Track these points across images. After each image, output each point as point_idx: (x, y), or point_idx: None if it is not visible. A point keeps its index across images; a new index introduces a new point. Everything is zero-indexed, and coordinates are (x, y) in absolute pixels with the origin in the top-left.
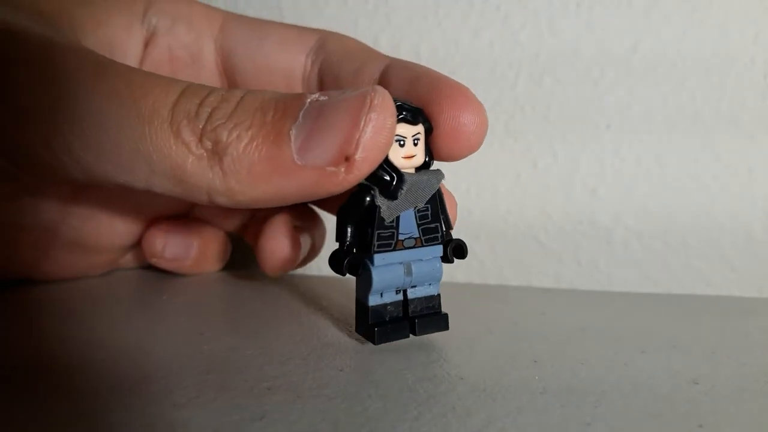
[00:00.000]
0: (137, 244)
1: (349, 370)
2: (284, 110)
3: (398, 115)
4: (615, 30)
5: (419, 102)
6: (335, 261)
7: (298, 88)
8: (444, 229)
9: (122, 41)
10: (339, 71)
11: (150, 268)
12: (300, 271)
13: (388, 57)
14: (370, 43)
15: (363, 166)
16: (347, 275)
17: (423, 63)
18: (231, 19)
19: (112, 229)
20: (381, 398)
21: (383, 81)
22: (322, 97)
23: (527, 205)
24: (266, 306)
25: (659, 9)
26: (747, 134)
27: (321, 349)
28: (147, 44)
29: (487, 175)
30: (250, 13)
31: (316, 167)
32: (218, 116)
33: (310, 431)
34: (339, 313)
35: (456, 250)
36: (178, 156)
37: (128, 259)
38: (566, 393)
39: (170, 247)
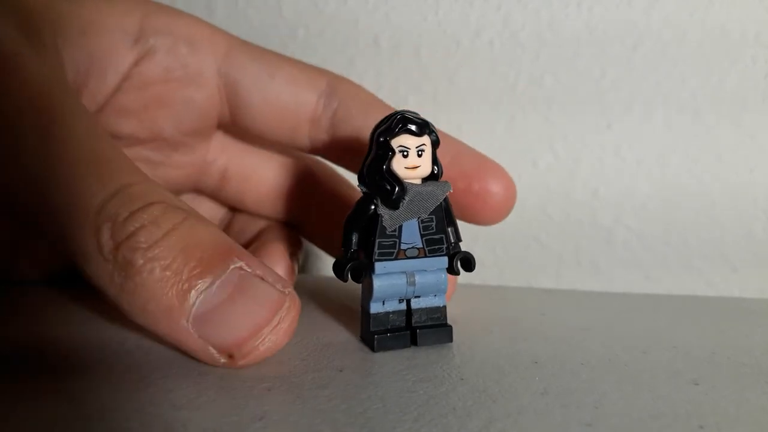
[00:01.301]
0: None
1: (349, 371)
2: (205, 266)
3: (402, 127)
4: (615, 30)
5: (462, 176)
6: (338, 267)
7: (304, 128)
8: (452, 240)
9: (107, 55)
10: (359, 124)
11: None
12: (300, 271)
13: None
14: (370, 42)
15: (243, 365)
16: (349, 281)
17: (423, 63)
18: (236, 46)
19: None
20: (381, 399)
21: None
22: (246, 268)
23: (527, 205)
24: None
25: (659, 9)
26: (748, 134)
27: (321, 350)
28: (139, 62)
29: None
30: (250, 13)
31: (202, 341)
32: (142, 238)
33: None
34: (339, 314)
35: (463, 263)
36: (87, 248)
37: None
38: (567, 393)
39: None
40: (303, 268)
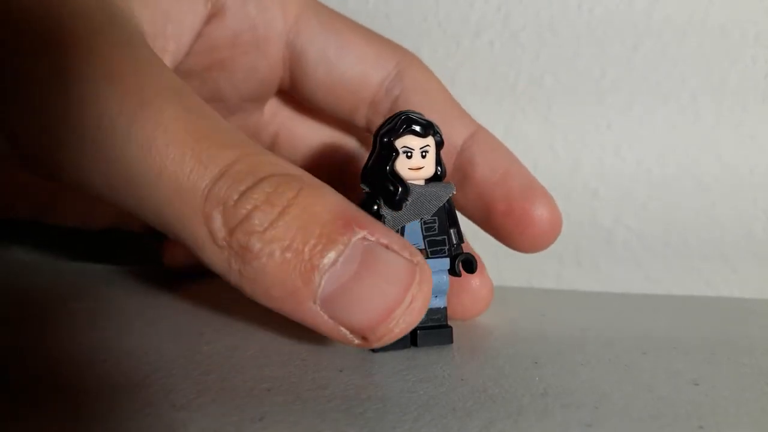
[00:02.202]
0: None
1: (349, 371)
2: (326, 242)
3: (407, 128)
4: (615, 30)
5: (507, 198)
6: None
7: (363, 109)
8: (455, 242)
9: (181, 12)
10: None
11: (150, 267)
12: None
13: (470, 120)
14: None
15: (379, 344)
16: None
17: (423, 63)
18: (307, 10)
19: None
20: (381, 399)
21: (466, 152)
22: (369, 237)
23: None
24: (265, 306)
25: (659, 9)
26: (748, 135)
27: (321, 350)
28: (210, 20)
29: None
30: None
31: (332, 322)
32: (257, 221)
33: None
34: None
35: (465, 265)
36: (199, 237)
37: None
38: (567, 394)
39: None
40: None
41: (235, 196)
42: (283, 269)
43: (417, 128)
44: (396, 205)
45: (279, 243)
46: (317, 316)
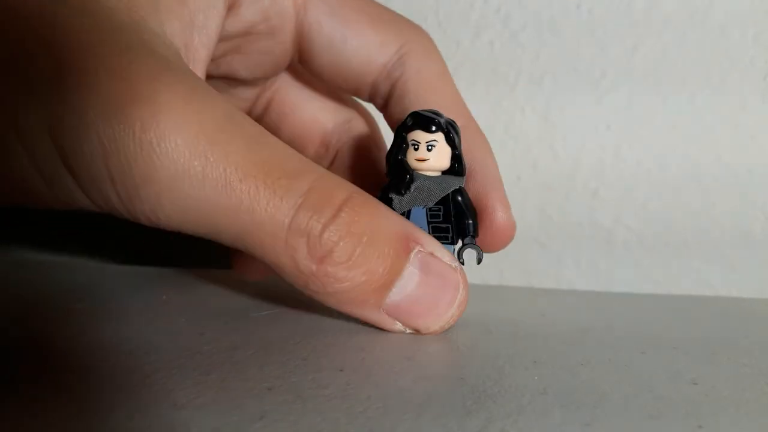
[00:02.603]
0: None
1: (350, 370)
2: (395, 262)
3: (414, 123)
4: (615, 31)
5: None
6: None
7: (365, 89)
8: (470, 231)
9: (206, 18)
10: (409, 104)
11: (150, 267)
12: None
13: (464, 111)
14: None
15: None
16: None
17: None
18: None
19: None
20: (381, 398)
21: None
22: (422, 249)
23: (527, 206)
24: (266, 306)
25: (659, 10)
26: (747, 135)
27: (321, 349)
28: (228, 12)
29: None
30: None
31: (392, 320)
32: (341, 253)
33: None
34: (339, 313)
35: (468, 254)
36: (281, 263)
37: None
38: (566, 394)
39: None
40: None
41: (318, 227)
42: (361, 289)
43: (423, 124)
44: (398, 190)
45: (360, 269)
46: (381, 319)
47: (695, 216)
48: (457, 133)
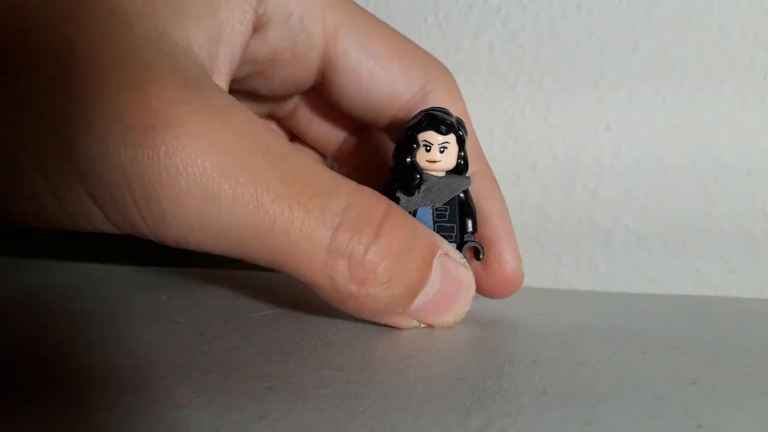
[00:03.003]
0: None
1: (350, 370)
2: (424, 273)
3: (428, 124)
4: (614, 31)
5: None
6: None
7: (385, 121)
8: (469, 230)
9: (232, 32)
10: None
11: (150, 267)
12: None
13: (482, 160)
14: None
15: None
16: None
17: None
18: (345, 22)
19: None
20: (381, 398)
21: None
22: (441, 253)
23: (527, 206)
24: (266, 306)
25: (659, 10)
26: (746, 135)
27: (321, 349)
28: (254, 34)
29: None
30: None
31: (410, 319)
32: (384, 274)
33: (310, 431)
34: (340, 312)
35: (473, 252)
36: (318, 281)
37: None
38: (566, 393)
39: None
40: None
41: (361, 249)
42: (395, 303)
43: (438, 126)
44: (408, 190)
45: (396, 287)
46: (403, 321)
47: (695, 216)
48: (466, 132)
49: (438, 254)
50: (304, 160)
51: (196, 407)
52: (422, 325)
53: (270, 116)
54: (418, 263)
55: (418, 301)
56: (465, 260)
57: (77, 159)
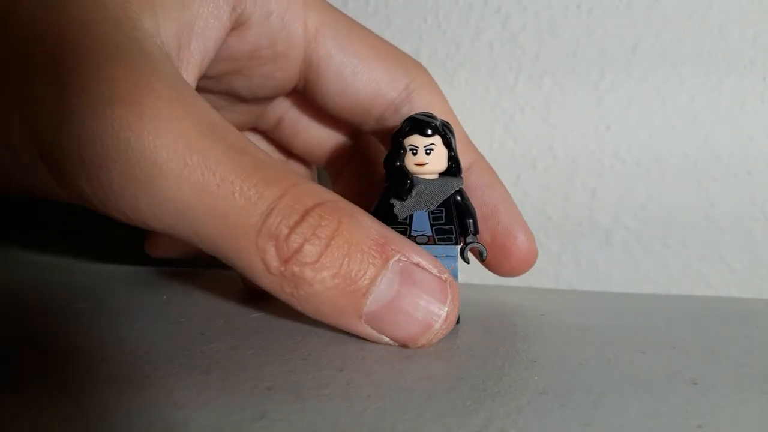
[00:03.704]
0: None
1: (349, 370)
2: (368, 266)
3: (411, 128)
4: (614, 31)
5: (492, 233)
6: None
7: (370, 123)
8: (471, 231)
9: (207, 25)
10: None
11: (150, 268)
12: None
13: (473, 149)
14: None
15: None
16: None
17: (423, 64)
18: (326, 25)
19: None
20: (381, 398)
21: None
22: (403, 258)
23: (526, 205)
24: (266, 306)
25: (658, 11)
26: (746, 135)
27: (321, 349)
28: (232, 31)
29: None
30: None
31: (377, 333)
32: (308, 253)
33: (310, 431)
34: None
35: (477, 253)
36: (253, 266)
37: None
38: (566, 393)
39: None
40: None
41: (286, 231)
42: (333, 293)
43: (421, 129)
44: (399, 196)
45: (328, 271)
46: (363, 330)
47: (694, 217)
48: (452, 134)
49: (396, 257)
50: (257, 152)
51: (196, 407)
52: (394, 343)
53: (255, 129)
54: (357, 256)
55: (372, 304)
56: (447, 274)
57: (36, 127)
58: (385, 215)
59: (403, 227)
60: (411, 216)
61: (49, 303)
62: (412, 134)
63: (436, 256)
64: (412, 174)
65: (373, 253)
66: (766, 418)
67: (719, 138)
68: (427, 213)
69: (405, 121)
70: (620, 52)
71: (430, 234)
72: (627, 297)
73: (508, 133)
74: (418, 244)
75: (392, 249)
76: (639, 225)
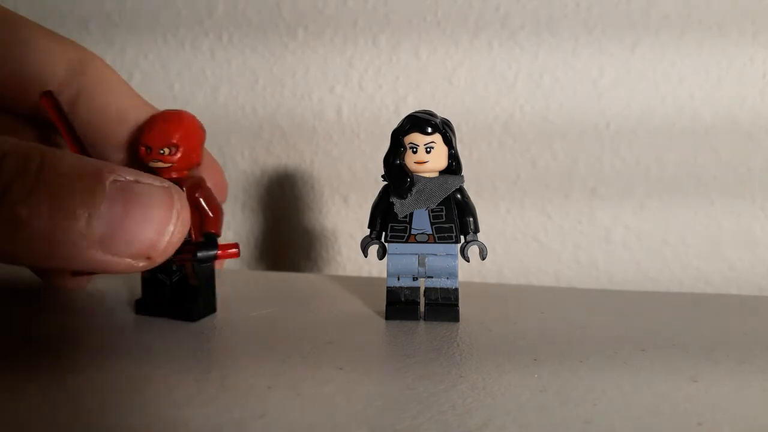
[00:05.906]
0: None
1: (349, 369)
2: (85, 193)
3: (411, 126)
4: (614, 30)
5: None
6: (361, 244)
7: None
8: (471, 229)
9: None
10: (102, 106)
11: None
12: (298, 270)
13: (150, 106)
14: (369, 43)
15: (162, 259)
16: (367, 257)
17: (423, 63)
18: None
19: None
20: (381, 396)
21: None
22: (120, 178)
23: (527, 204)
24: (266, 305)
25: (658, 10)
26: (746, 134)
27: (321, 348)
28: None
29: (487, 174)
30: (250, 13)
31: (118, 259)
32: (16, 192)
33: (310, 430)
34: (339, 311)
35: (472, 251)
36: None
37: None
38: (566, 391)
39: None
40: (301, 268)
41: None
42: (56, 229)
43: (421, 127)
44: (400, 194)
45: (45, 205)
46: (104, 260)
47: (694, 214)
48: (453, 131)
49: (111, 178)
50: None
51: (196, 406)
52: (141, 263)
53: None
54: (68, 186)
55: (100, 227)
56: (168, 183)
57: None
58: (385, 213)
59: (403, 225)
60: (411, 214)
61: (49, 303)
62: (412, 132)
63: (436, 255)
64: (412, 172)
65: (87, 179)
66: (765, 416)
67: (719, 136)
68: (427, 211)
69: (405, 119)
70: (619, 50)
71: (431, 232)
72: (627, 295)
73: (507, 132)
74: (419, 242)
75: (105, 172)
76: (638, 223)
